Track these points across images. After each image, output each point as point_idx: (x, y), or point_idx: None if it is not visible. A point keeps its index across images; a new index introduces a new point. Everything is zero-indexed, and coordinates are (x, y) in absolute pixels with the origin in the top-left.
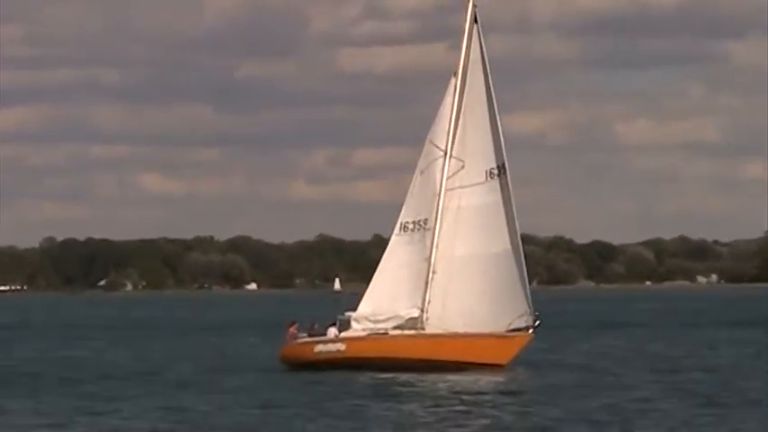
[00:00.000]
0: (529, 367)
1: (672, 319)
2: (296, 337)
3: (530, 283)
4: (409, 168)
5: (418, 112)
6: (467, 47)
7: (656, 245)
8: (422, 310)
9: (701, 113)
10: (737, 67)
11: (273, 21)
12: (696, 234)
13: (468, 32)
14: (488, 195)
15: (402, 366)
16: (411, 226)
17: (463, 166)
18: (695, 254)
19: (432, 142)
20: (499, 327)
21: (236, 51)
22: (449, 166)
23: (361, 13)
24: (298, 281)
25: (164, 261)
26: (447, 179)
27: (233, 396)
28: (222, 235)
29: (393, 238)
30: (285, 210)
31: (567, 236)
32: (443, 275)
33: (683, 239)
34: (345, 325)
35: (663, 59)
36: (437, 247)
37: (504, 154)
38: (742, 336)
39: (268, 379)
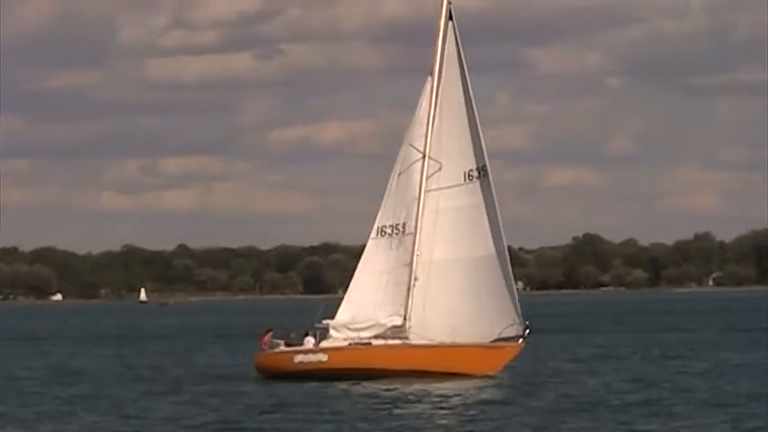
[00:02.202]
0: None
1: None
2: (271, 346)
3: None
4: (218, 177)
5: (226, 121)
6: (441, 45)
7: None
8: (405, 318)
9: (507, 121)
10: (543, 75)
11: (83, 31)
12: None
13: (444, 30)
14: (467, 198)
15: (385, 376)
16: (389, 230)
17: (441, 168)
18: None
19: (410, 145)
20: (486, 336)
21: (45, 61)
22: (427, 167)
23: (169, 24)
24: (103, 291)
25: None
26: (425, 181)
27: None
28: (30, 245)
29: (370, 242)
30: (94, 220)
31: None
32: (424, 281)
33: None
34: (323, 333)
35: (470, 67)
36: (419, 253)
37: (486, 155)
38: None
39: None
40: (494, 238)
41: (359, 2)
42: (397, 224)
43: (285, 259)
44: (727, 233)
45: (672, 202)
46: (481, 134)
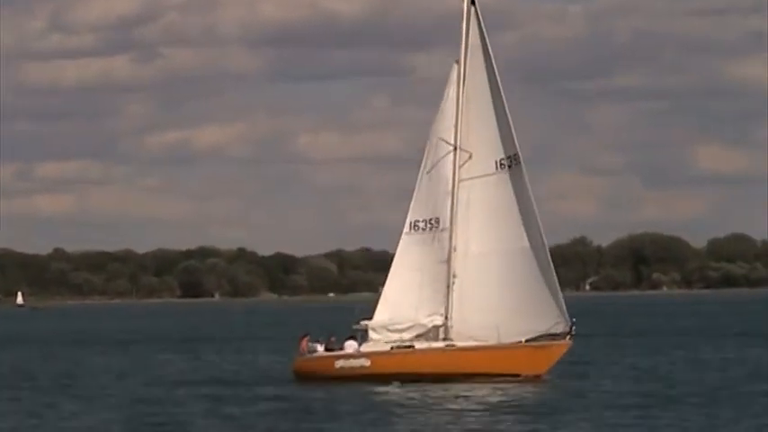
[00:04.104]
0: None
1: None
2: (309, 350)
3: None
4: (95, 181)
5: (104, 125)
6: (466, 30)
7: (338, 256)
8: (446, 318)
9: (384, 126)
10: (420, 80)
11: None
12: (379, 246)
13: (467, 15)
14: (499, 187)
15: (429, 380)
16: (422, 224)
17: (471, 157)
18: (378, 265)
19: (440, 138)
20: (530, 332)
21: None
22: (458, 156)
23: (46, 27)
24: None
25: None
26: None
27: None
28: None
29: (403, 238)
30: None
31: (250, 248)
32: (462, 277)
33: (365, 251)
34: (363, 336)
35: (348, 72)
36: (455, 249)
37: (517, 144)
38: None
39: None
40: (530, 228)
41: (237, 7)
42: (431, 218)
43: (162, 263)
44: (604, 238)
45: (549, 206)
46: (511, 122)
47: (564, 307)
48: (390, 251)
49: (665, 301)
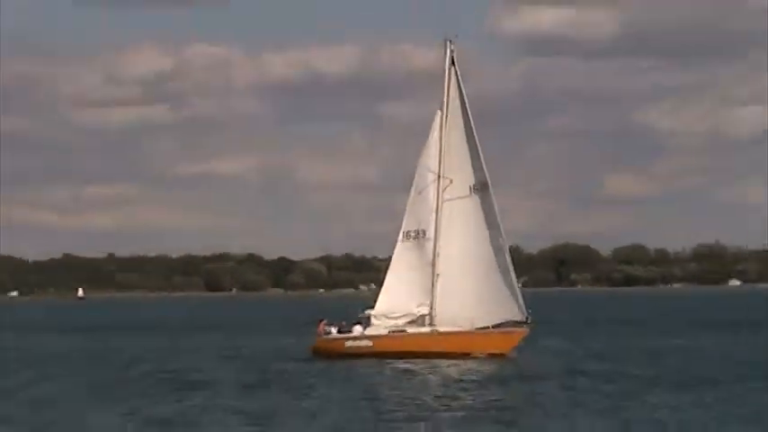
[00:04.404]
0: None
1: None
2: (325, 333)
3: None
4: (137, 201)
5: (145, 156)
6: (447, 84)
7: (327, 260)
8: (431, 308)
9: (363, 159)
10: (392, 124)
11: None
12: (359, 252)
13: (448, 73)
14: (472, 206)
15: (418, 357)
16: (413, 234)
17: (451, 182)
18: (358, 267)
19: (426, 167)
20: (494, 319)
21: None
22: (441, 183)
23: (100, 81)
24: None
25: None
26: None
27: None
28: None
29: (398, 244)
30: None
31: (258, 254)
32: (444, 276)
33: (347, 256)
34: (367, 321)
35: (336, 116)
36: (438, 254)
37: (486, 173)
38: None
39: None
40: (495, 238)
41: (249, 67)
42: (419, 230)
43: (189, 265)
44: (533, 247)
45: None
46: (482, 156)
47: (521, 300)
48: (367, 256)
49: (579, 296)
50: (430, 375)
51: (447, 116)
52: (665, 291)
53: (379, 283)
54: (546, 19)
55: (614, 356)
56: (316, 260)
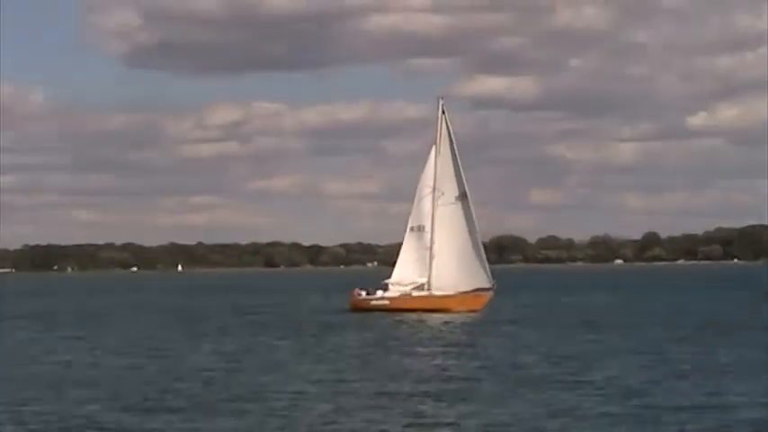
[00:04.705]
0: None
1: None
2: (359, 295)
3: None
4: (218, 207)
5: (223, 177)
6: (439, 128)
7: (346, 247)
8: (428, 278)
9: (368, 178)
10: (389, 155)
11: None
12: (366, 240)
13: (440, 119)
14: (457, 209)
15: (419, 311)
16: (416, 228)
17: (443, 193)
18: (365, 251)
19: (425, 183)
20: (471, 285)
21: None
22: (436, 194)
23: (191, 126)
24: None
25: None
26: (436, 202)
27: None
28: None
29: (406, 235)
30: None
31: (298, 241)
32: (437, 257)
33: (359, 244)
34: (385, 287)
35: (350, 150)
36: (433, 242)
37: (466, 187)
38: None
39: None
40: (472, 232)
41: (292, 116)
42: (419, 225)
43: (253, 249)
44: (484, 238)
45: None
46: (463, 174)
47: (490, 273)
48: (372, 244)
49: (515, 272)
50: (426, 322)
51: (440, 149)
52: (571, 267)
53: (381, 262)
54: (490, 84)
55: (538, 305)
56: (338, 246)
